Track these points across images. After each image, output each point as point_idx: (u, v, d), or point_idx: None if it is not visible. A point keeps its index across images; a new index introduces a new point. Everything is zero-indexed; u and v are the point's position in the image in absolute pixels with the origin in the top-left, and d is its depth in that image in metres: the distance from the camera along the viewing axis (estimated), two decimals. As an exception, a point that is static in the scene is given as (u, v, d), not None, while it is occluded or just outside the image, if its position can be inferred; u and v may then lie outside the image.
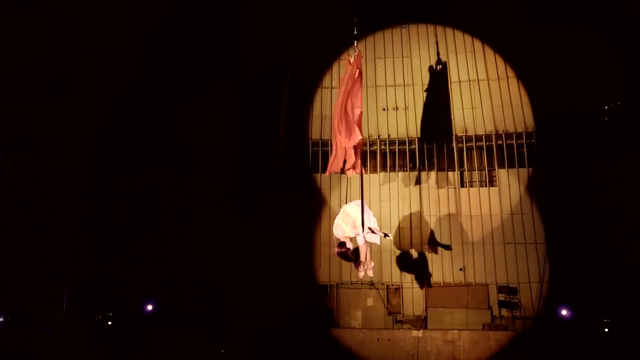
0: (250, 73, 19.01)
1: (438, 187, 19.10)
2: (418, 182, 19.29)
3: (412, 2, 18.95)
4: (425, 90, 19.48)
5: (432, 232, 18.69)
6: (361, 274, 10.27)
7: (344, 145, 10.03)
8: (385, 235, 9.67)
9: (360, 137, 9.94)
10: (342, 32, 10.36)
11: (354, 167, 10.42)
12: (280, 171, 19.35)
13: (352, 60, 10.12)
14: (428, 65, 19.54)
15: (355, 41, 10.16)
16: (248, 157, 19.19)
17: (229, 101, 18.65)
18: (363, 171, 10.63)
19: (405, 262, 18.70)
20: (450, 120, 19.43)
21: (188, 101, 18.30)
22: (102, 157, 18.63)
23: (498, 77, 19.27)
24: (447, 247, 18.41)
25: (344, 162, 10.42)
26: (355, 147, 10.06)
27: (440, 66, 19.44)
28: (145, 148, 18.63)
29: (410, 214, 19.02)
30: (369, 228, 9.53)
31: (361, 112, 10.03)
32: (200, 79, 18.43)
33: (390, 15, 19.47)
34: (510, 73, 19.17)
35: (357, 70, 10.07)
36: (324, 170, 19.52)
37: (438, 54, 19.45)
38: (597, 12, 17.01)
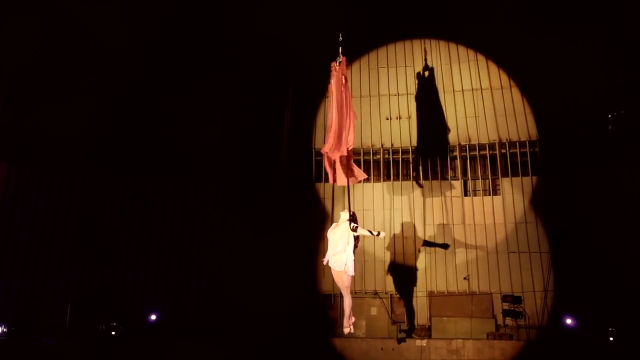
0: (252, 75, 19.01)
1: (442, 196, 19.10)
2: (421, 191, 19.32)
3: (413, 19, 18.98)
4: (427, 100, 19.52)
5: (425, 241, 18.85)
6: (347, 330, 9.86)
7: (333, 157, 9.81)
8: (378, 233, 9.42)
9: (350, 148, 9.75)
10: (348, 41, 10.23)
11: (346, 176, 10.21)
12: (284, 180, 19.38)
13: (337, 67, 9.98)
14: (431, 74, 19.62)
15: (340, 47, 10.04)
16: (251, 165, 19.21)
17: (230, 103, 18.66)
18: (341, 182, 10.27)
19: (409, 271, 18.68)
20: (450, 129, 19.47)
21: (188, 103, 18.31)
22: (103, 166, 18.64)
23: (501, 86, 19.33)
24: (445, 246, 18.43)
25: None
26: (347, 158, 9.88)
27: (440, 75, 19.56)
28: (147, 153, 18.68)
29: (414, 223, 19.03)
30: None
31: (352, 122, 9.81)
32: (201, 80, 18.46)
33: (391, 31, 19.53)
34: (513, 82, 19.23)
35: (343, 77, 9.90)
36: (327, 179, 19.68)
37: (426, 60, 19.59)
38: (598, 19, 17.05)
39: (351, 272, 9.10)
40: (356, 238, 9.15)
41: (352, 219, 9.13)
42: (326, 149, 9.51)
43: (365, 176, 10.71)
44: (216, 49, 18.73)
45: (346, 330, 9.83)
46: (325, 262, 9.34)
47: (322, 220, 19.24)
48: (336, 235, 9.14)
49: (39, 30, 16.73)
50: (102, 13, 17.13)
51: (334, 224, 9.42)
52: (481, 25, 18.64)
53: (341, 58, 9.85)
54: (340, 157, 9.68)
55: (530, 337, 16.89)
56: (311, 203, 19.50)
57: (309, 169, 20.06)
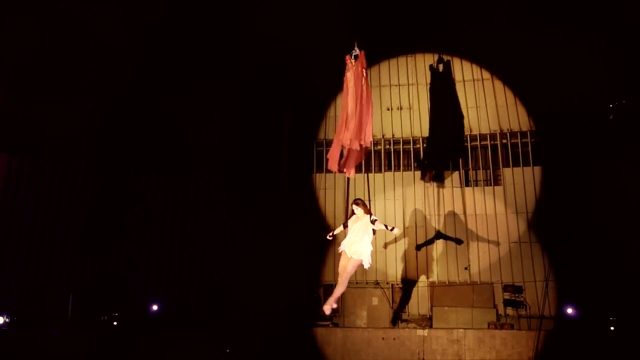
0: (252, 75, 18.96)
1: (443, 186, 19.10)
2: (423, 181, 19.31)
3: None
4: (430, 90, 19.47)
5: (437, 232, 18.74)
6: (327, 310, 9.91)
7: (347, 145, 10.00)
8: (392, 228, 9.65)
9: (370, 139, 10.05)
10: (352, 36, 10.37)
11: (349, 167, 10.47)
12: (284, 171, 19.39)
13: (353, 60, 10.16)
14: (433, 64, 19.55)
15: (355, 42, 10.20)
16: (251, 158, 19.20)
17: (230, 103, 18.62)
18: (353, 173, 10.60)
19: (410, 261, 18.72)
20: (454, 119, 19.43)
21: (188, 102, 18.28)
22: (105, 159, 18.61)
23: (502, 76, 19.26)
24: (458, 241, 18.39)
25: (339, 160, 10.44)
26: (361, 148, 10.07)
27: (443, 65, 19.45)
28: (149, 148, 18.63)
29: (415, 213, 19.04)
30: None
31: (371, 113, 10.06)
32: (201, 79, 18.40)
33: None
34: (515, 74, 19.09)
35: (364, 70, 10.11)
36: (328, 170, 19.68)
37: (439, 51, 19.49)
38: (598, 9, 16.94)
39: (367, 263, 9.42)
40: (373, 231, 9.50)
41: (365, 207, 9.57)
42: (345, 142, 9.73)
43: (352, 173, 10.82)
44: (216, 49, 18.64)
45: (326, 310, 9.88)
46: (340, 250, 9.66)
47: (323, 210, 19.38)
48: (357, 226, 9.47)
49: (39, 30, 16.67)
50: (102, 13, 17.06)
51: (354, 216, 9.64)
52: (481, 25, 18.42)
53: (357, 51, 10.08)
54: (353, 148, 9.89)
55: (531, 326, 16.96)
56: (312, 193, 19.55)
57: (309, 160, 20.09)
